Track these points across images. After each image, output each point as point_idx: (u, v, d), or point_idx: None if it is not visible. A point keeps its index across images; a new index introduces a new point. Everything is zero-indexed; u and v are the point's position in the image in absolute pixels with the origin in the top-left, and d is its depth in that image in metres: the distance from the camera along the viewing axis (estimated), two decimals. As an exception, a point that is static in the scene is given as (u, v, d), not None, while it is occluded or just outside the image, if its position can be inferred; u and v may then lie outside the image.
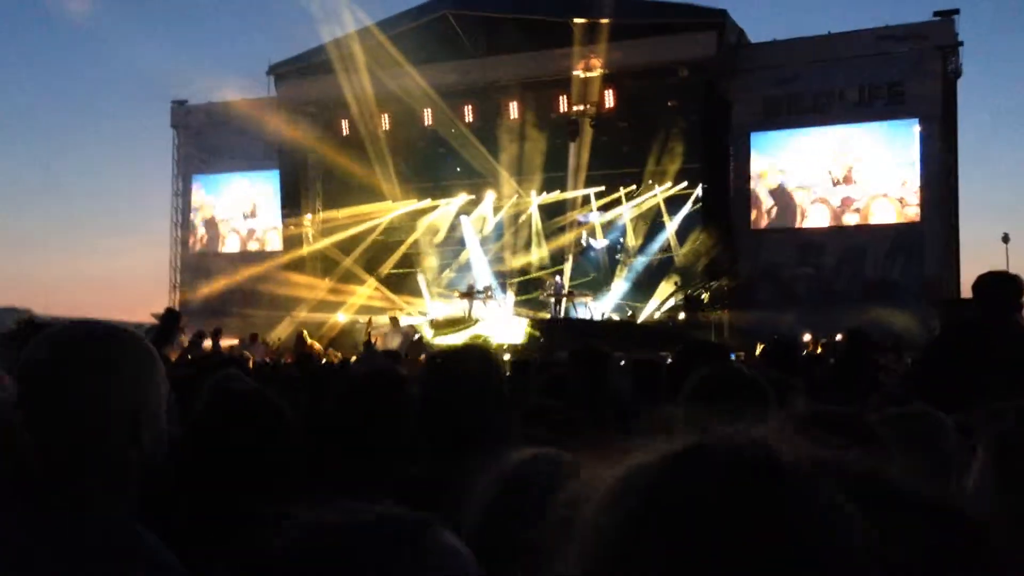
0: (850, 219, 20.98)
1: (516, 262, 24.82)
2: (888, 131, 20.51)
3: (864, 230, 20.75)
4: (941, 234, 20.01)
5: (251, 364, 8.79)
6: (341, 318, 23.15)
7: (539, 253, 24.70)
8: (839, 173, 21.00)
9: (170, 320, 9.33)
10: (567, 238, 24.70)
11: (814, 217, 21.26)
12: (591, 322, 21.60)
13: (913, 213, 20.31)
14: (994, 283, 4.71)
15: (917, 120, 20.14)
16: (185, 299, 27.08)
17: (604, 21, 20.45)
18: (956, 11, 20.18)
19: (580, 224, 24.78)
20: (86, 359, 1.53)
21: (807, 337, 15.68)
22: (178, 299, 27.36)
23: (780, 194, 21.52)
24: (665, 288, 22.72)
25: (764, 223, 21.67)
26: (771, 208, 21.64)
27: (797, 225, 21.40)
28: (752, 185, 21.61)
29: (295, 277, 24.67)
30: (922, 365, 4.85)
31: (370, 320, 19.81)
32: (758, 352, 5.62)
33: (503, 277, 24.74)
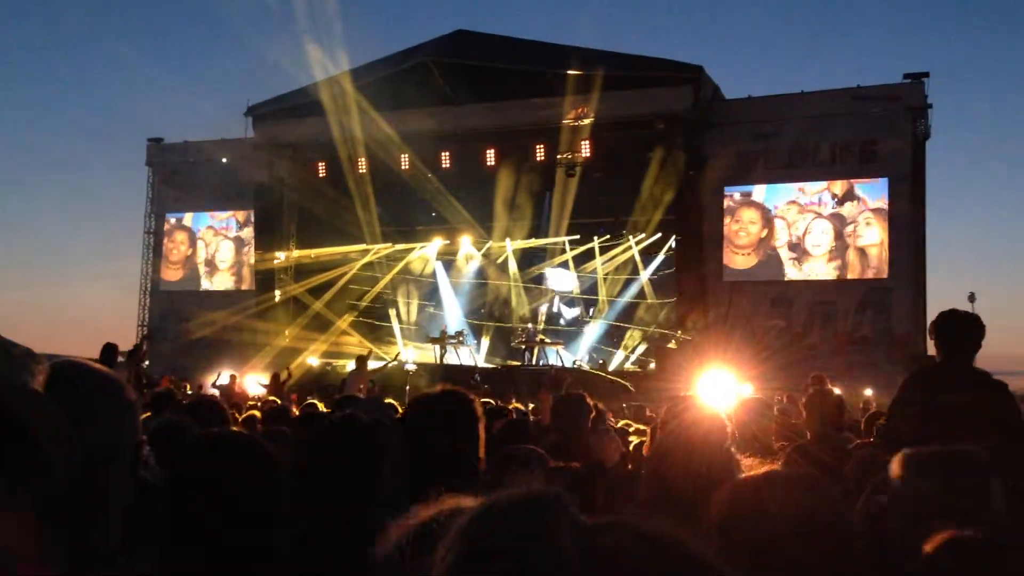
0: (821, 274, 21.22)
1: (489, 308, 24.84)
2: (859, 189, 20.85)
3: (834, 285, 21.00)
4: (909, 292, 20.28)
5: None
6: (312, 361, 23.00)
7: (513, 300, 24.76)
8: (810, 228, 21.27)
9: (106, 355, 9.26)
10: (540, 291, 24.84)
11: (786, 270, 21.48)
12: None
13: (882, 270, 20.59)
14: (954, 322, 4.70)
15: (887, 179, 20.51)
16: (153, 337, 26.78)
17: (582, 73, 20.71)
18: (926, 74, 20.69)
19: (549, 276, 24.95)
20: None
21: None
22: (143, 336, 27.05)
23: (753, 247, 21.74)
24: (633, 337, 22.87)
25: (736, 275, 21.85)
26: (744, 260, 21.83)
27: (769, 278, 21.60)
28: (725, 237, 21.81)
29: (265, 322, 24.50)
30: (890, 416, 4.89)
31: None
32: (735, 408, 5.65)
33: (476, 323, 24.75)
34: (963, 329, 4.66)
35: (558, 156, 21.86)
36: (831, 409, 5.55)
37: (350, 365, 20.12)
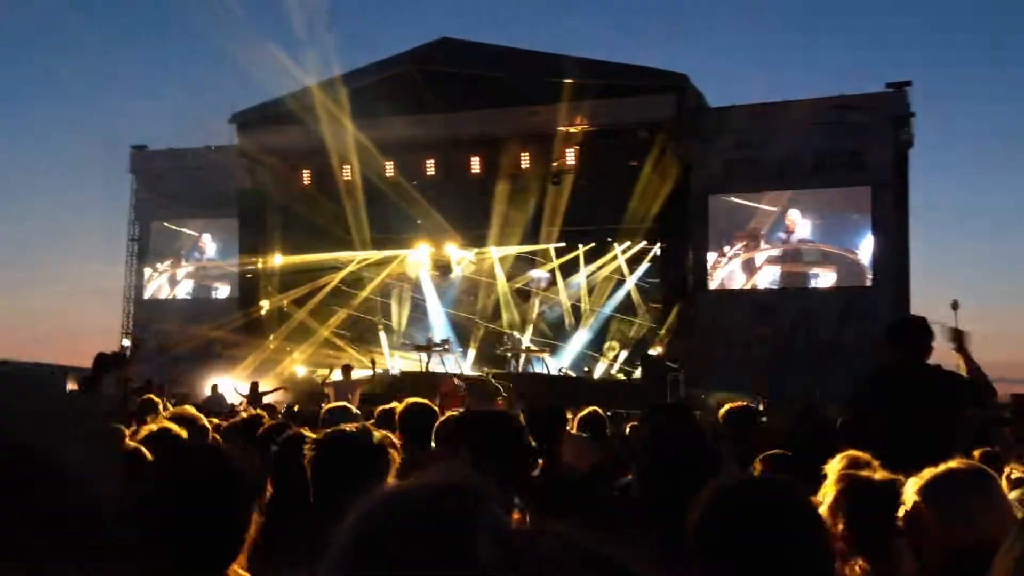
0: (804, 282, 21.32)
1: (475, 316, 24.84)
2: (842, 197, 20.94)
3: (816, 293, 21.09)
4: (892, 299, 20.35)
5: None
6: (300, 371, 22.93)
7: (500, 308, 24.77)
8: (794, 236, 21.36)
9: (98, 365, 9.20)
10: (525, 297, 24.85)
11: (769, 279, 21.56)
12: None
13: (866, 278, 20.69)
14: (909, 328, 5.38)
15: (870, 187, 20.61)
16: (136, 346, 26.60)
17: (566, 81, 20.74)
18: (908, 83, 20.82)
19: (535, 284, 24.96)
20: None
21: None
22: (128, 345, 26.88)
23: (737, 255, 21.80)
24: (612, 347, 22.94)
25: (720, 283, 21.90)
26: (727, 269, 21.89)
27: (752, 286, 21.67)
28: (710, 245, 21.87)
29: (249, 330, 24.42)
30: (853, 412, 5.27)
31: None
32: (720, 415, 5.65)
33: (462, 331, 24.74)
34: (918, 334, 5.29)
35: (543, 164, 21.88)
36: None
37: (336, 374, 20.01)
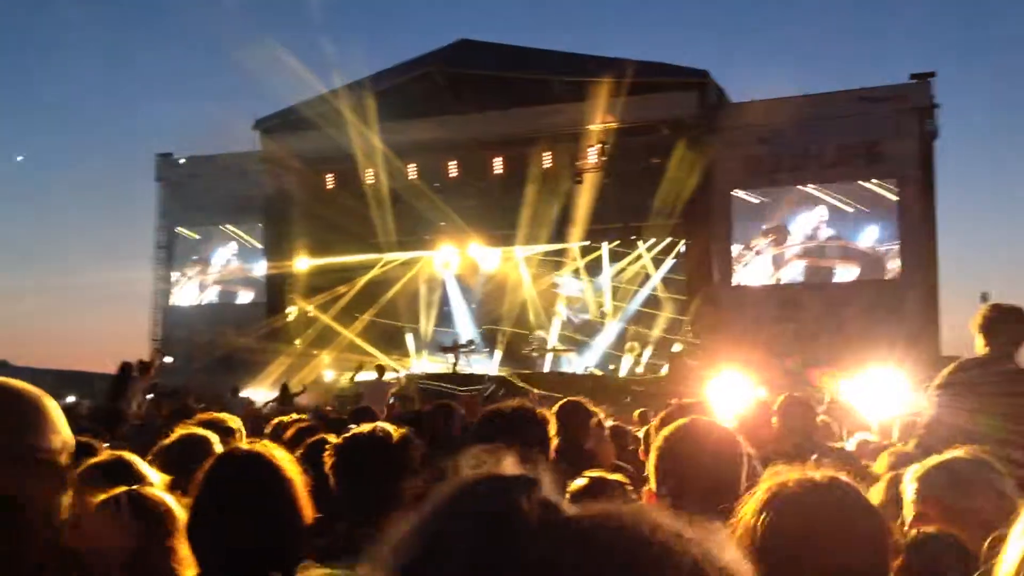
0: (830, 275, 21.18)
1: (501, 316, 24.86)
2: (867, 190, 20.78)
3: (842, 287, 20.93)
4: (920, 292, 20.16)
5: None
6: (327, 375, 23.05)
7: (527, 307, 24.78)
8: (819, 230, 21.22)
9: (122, 374, 9.27)
10: (550, 297, 24.82)
11: (794, 273, 21.43)
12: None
13: (893, 271, 20.52)
14: (1000, 316, 4.68)
15: (895, 180, 20.43)
16: (165, 352, 26.88)
17: (587, 80, 20.73)
18: (932, 74, 20.61)
19: (557, 289, 24.95)
20: None
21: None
22: (154, 352, 27.12)
23: (762, 250, 21.69)
24: (632, 346, 22.87)
25: (746, 278, 21.80)
26: (753, 263, 21.78)
27: (777, 280, 21.56)
28: (733, 240, 21.78)
29: (276, 334, 24.57)
30: (936, 405, 4.77)
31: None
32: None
33: (488, 332, 24.77)
34: (1008, 322, 4.64)
35: (566, 164, 21.87)
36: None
37: (360, 376, 20.16)
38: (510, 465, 0.85)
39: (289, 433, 5.03)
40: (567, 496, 0.85)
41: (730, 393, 7.75)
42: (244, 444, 2.66)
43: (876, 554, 1.81)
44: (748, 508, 1.86)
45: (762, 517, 1.82)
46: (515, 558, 0.73)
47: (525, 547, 0.74)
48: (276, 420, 6.41)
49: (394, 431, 2.98)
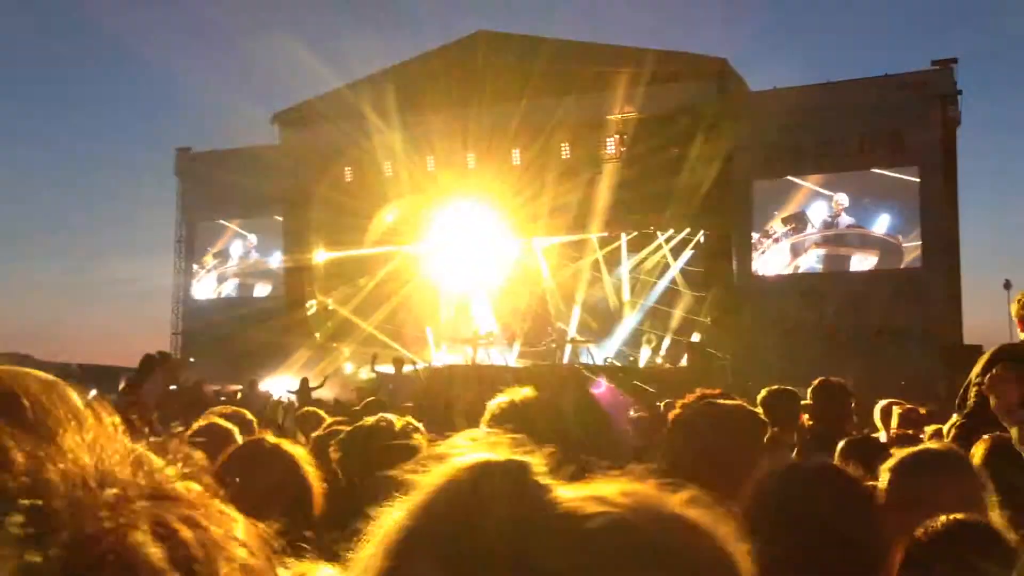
0: (851, 264, 21.04)
1: (521, 307, 24.81)
2: (888, 178, 20.60)
3: (865, 276, 20.78)
4: (943, 280, 19.98)
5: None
6: (347, 367, 23.12)
7: (546, 298, 24.73)
8: (840, 219, 21.08)
9: (145, 365, 9.35)
10: (569, 288, 24.75)
11: (812, 260, 21.30)
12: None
13: (914, 259, 20.35)
14: None
15: (918, 167, 20.24)
16: (186, 345, 27.08)
17: (605, 70, 20.65)
18: (954, 60, 20.39)
19: (578, 286, 24.85)
20: None
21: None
22: (180, 345, 27.32)
23: (782, 239, 21.57)
24: (649, 338, 22.77)
25: (764, 265, 21.68)
26: (772, 250, 21.66)
27: (795, 267, 21.44)
28: (754, 230, 21.66)
29: (295, 327, 24.66)
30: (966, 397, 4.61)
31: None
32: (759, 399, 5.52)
33: (507, 323, 24.72)
34: None
35: (585, 154, 21.81)
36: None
37: (380, 368, 20.14)
38: (504, 448, 0.82)
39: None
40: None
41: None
42: (268, 436, 2.68)
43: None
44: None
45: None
46: (491, 549, 0.70)
47: (506, 536, 0.71)
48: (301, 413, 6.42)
49: (398, 421, 3.03)
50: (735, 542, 0.75)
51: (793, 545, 1.80)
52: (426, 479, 0.78)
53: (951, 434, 4.39)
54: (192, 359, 24.04)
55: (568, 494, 0.75)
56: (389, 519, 0.77)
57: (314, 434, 3.92)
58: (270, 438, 2.55)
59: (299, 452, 2.39)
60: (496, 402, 2.55)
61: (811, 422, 4.91)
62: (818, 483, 1.95)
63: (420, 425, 3.18)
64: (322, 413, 7.01)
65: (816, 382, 4.90)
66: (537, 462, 0.78)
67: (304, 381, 17.53)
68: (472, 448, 0.81)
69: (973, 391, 4.47)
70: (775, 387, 5.56)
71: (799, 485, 1.94)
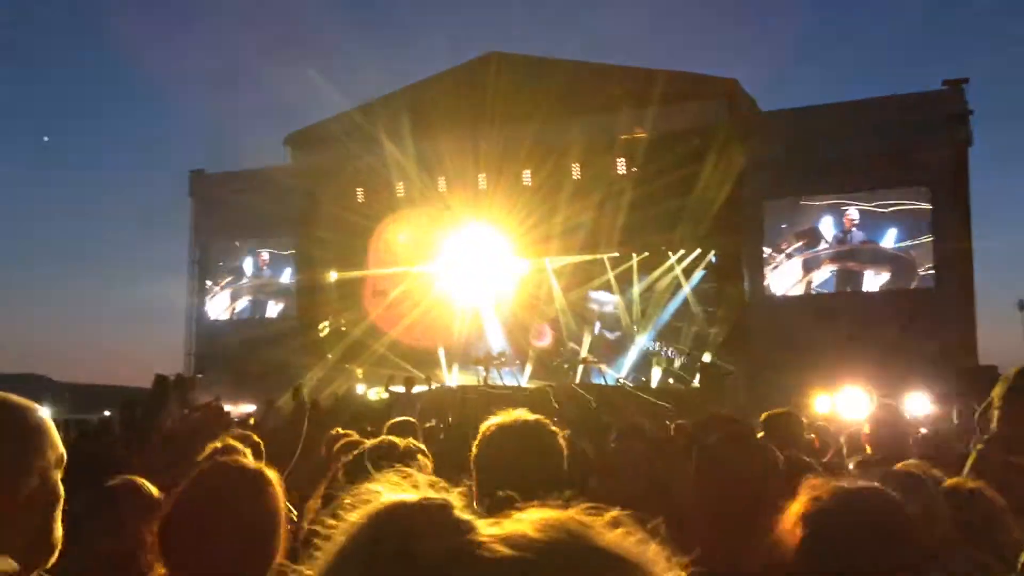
0: (865, 285, 20.97)
1: (532, 328, 24.82)
2: (900, 198, 20.56)
3: (878, 296, 20.71)
4: (956, 301, 19.88)
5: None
6: (359, 388, 23.12)
7: (557, 319, 24.74)
8: (852, 239, 21.04)
9: (159, 387, 9.39)
10: (580, 309, 24.75)
11: (824, 277, 21.25)
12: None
13: (928, 280, 20.27)
14: None
15: (928, 188, 20.20)
16: (199, 365, 27.12)
17: (616, 91, 20.72)
18: (965, 80, 20.37)
19: (589, 303, 24.86)
20: None
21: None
22: (193, 366, 27.37)
23: (793, 259, 21.53)
24: (659, 360, 22.77)
25: (777, 282, 21.64)
26: (784, 267, 21.62)
27: (808, 283, 21.38)
28: (765, 249, 21.63)
29: (308, 348, 24.71)
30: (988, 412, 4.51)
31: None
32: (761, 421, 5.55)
33: (519, 343, 24.72)
34: None
35: (596, 175, 21.86)
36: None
37: (395, 388, 20.14)
38: (421, 486, 0.84)
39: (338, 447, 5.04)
40: None
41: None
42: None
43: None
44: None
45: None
46: None
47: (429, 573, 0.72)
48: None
49: (401, 442, 3.10)
50: (662, 563, 0.75)
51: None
52: (345, 523, 0.79)
53: (972, 463, 4.33)
54: (200, 375, 24.06)
55: (488, 531, 0.75)
56: (316, 564, 0.79)
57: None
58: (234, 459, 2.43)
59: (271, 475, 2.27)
60: (487, 424, 2.58)
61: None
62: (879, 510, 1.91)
63: (423, 446, 3.26)
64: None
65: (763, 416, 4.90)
66: (455, 500, 0.80)
67: (297, 389, 17.10)
68: (393, 489, 0.83)
69: (996, 414, 4.40)
70: (777, 410, 5.59)
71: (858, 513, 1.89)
